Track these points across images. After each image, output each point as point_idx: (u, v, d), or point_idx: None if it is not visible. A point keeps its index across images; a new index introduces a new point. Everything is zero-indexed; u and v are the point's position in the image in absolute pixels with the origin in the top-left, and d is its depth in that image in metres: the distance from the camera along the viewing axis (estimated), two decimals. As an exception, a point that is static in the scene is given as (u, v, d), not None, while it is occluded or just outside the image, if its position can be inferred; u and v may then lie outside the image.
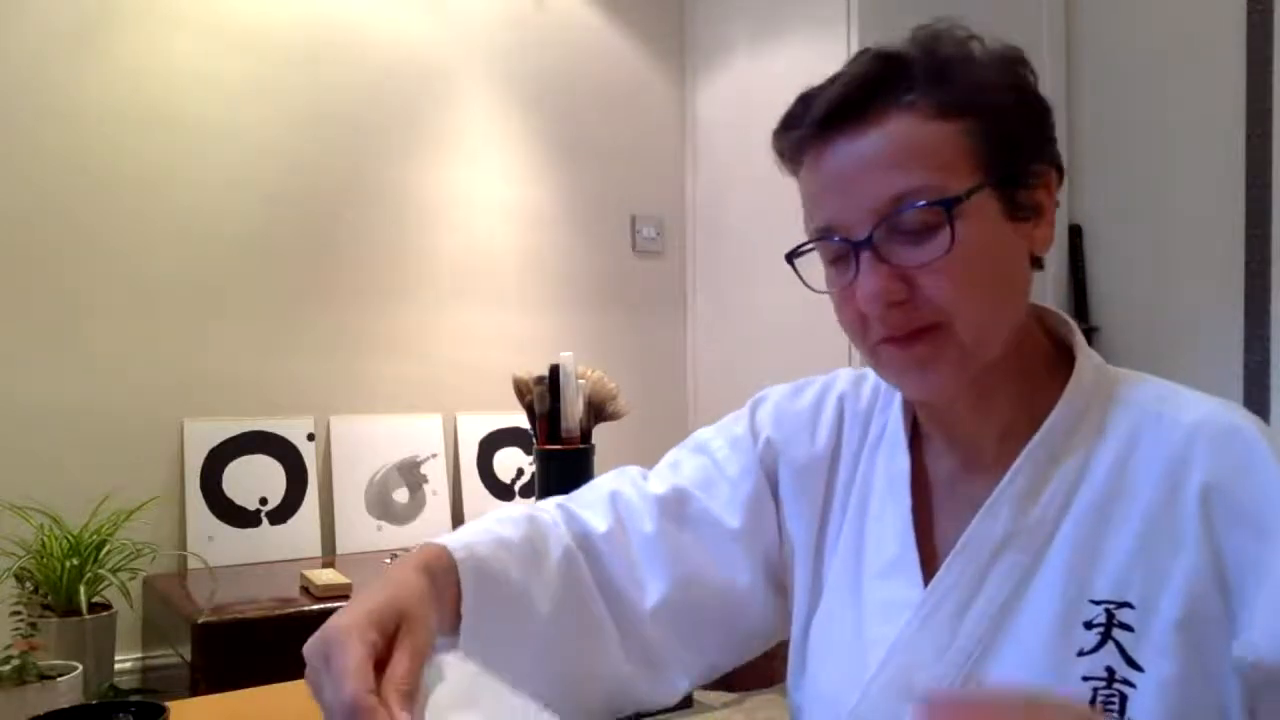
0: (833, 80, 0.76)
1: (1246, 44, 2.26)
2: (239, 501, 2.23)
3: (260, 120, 2.31)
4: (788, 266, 0.80)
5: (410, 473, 2.43)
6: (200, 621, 1.75)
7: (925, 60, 0.74)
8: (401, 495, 2.42)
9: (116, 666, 1.88)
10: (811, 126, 0.75)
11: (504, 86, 2.61)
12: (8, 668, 1.20)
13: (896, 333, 0.74)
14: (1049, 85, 2.59)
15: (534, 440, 1.96)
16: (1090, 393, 0.77)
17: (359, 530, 2.35)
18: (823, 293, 0.79)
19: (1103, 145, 2.55)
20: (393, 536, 2.36)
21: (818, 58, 2.41)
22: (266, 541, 2.24)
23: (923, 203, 0.71)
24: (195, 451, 2.20)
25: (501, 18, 2.61)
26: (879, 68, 0.74)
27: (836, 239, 0.75)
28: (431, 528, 2.41)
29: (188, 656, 1.79)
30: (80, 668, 1.28)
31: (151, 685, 2.07)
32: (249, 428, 2.27)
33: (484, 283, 2.58)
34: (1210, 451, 0.70)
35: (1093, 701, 0.69)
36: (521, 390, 1.96)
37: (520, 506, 0.85)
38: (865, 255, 0.73)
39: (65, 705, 1.06)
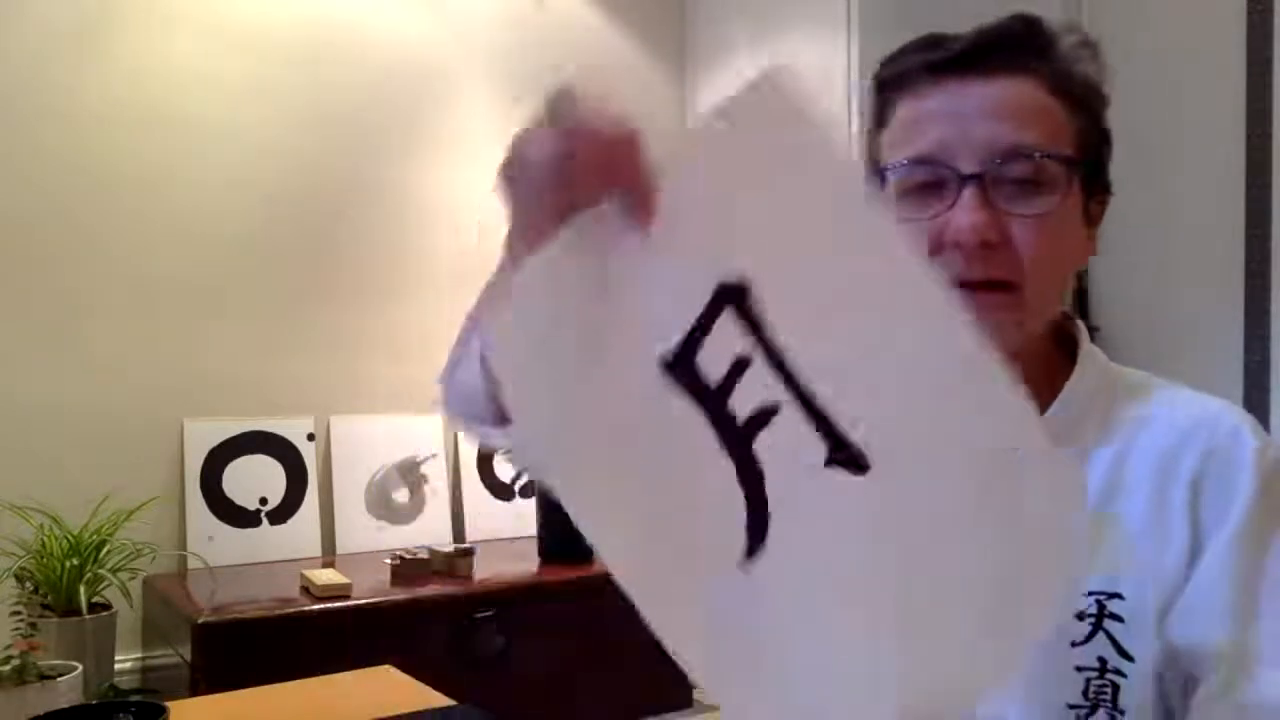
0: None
1: (1246, 44, 2.26)
2: (239, 501, 2.23)
3: (260, 120, 2.31)
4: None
5: (410, 473, 2.43)
6: (200, 621, 1.75)
7: (1059, 41, 0.77)
8: (401, 495, 2.41)
9: (116, 666, 1.88)
10: (942, 57, 0.76)
11: (504, 86, 2.61)
12: (8, 668, 1.20)
13: (972, 276, 0.72)
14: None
15: (534, 440, 1.95)
16: (1093, 390, 0.78)
17: (359, 530, 2.35)
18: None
19: (1103, 145, 2.54)
20: (393, 536, 2.36)
21: (818, 58, 2.41)
22: (266, 541, 2.24)
23: (1043, 154, 0.73)
24: (195, 451, 2.20)
25: (501, 18, 2.61)
26: (1023, 28, 0.76)
27: (939, 166, 0.74)
28: (431, 528, 2.41)
29: (188, 656, 1.79)
30: (80, 668, 1.28)
31: (151, 685, 2.07)
32: (249, 428, 2.27)
33: (484, 282, 2.57)
34: (1204, 445, 0.72)
35: (1086, 692, 0.70)
36: (521, 390, 1.96)
37: None
38: (971, 189, 0.72)
39: (65, 705, 1.06)
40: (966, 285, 0.73)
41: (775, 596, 0.53)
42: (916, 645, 0.52)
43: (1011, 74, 0.74)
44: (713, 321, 0.53)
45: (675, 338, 0.53)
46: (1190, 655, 0.68)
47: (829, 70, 2.37)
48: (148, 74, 2.19)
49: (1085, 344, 0.80)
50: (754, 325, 0.53)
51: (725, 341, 0.53)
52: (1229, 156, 2.29)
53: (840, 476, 0.53)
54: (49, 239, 2.10)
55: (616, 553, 0.52)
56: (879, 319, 0.53)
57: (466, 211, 2.55)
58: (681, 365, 0.53)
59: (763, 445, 0.53)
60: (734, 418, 0.53)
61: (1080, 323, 0.83)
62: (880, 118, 0.79)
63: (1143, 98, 2.48)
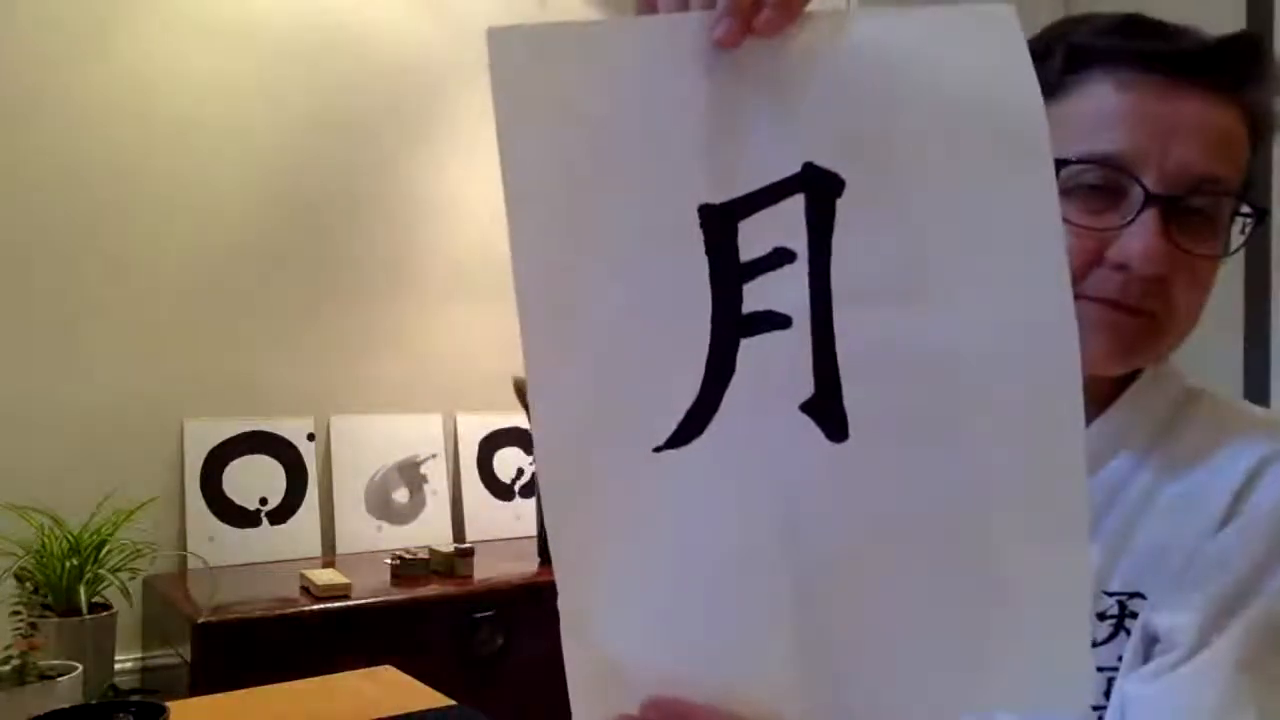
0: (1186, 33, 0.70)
1: (1246, 44, 2.26)
2: (239, 501, 2.23)
3: (260, 120, 2.30)
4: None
5: (410, 473, 2.43)
6: (200, 621, 1.75)
7: (1269, 71, 0.71)
8: (401, 495, 2.42)
9: (116, 666, 1.88)
10: (1165, 51, 0.68)
11: (504, 86, 2.60)
12: (8, 668, 1.20)
13: (1126, 300, 0.68)
14: (1049, 85, 2.58)
15: (534, 440, 1.95)
16: (1148, 404, 0.76)
17: (359, 530, 2.35)
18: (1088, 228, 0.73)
19: (1103, 145, 2.54)
20: (393, 536, 2.36)
21: (818, 58, 2.41)
22: (266, 541, 2.23)
23: (1230, 193, 0.68)
24: (195, 451, 2.20)
25: (503, 17, 2.59)
26: (1251, 50, 0.70)
27: (1121, 174, 0.67)
28: (431, 528, 2.41)
29: (188, 656, 1.79)
30: (80, 668, 1.27)
31: (151, 685, 2.07)
32: (249, 428, 2.26)
33: (484, 282, 2.58)
34: (1258, 461, 0.69)
35: (1108, 692, 0.69)
36: (521, 390, 1.96)
37: None
38: (1154, 213, 0.66)
39: (65, 705, 1.06)
40: (1116, 305, 0.69)
41: (670, 502, 0.49)
42: (822, 629, 0.49)
43: (1228, 96, 0.68)
44: (782, 198, 0.48)
45: (729, 193, 0.48)
46: (1166, 633, 0.66)
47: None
48: (148, 74, 2.19)
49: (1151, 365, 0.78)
50: (820, 225, 0.48)
51: (779, 225, 0.48)
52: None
53: (805, 422, 0.49)
54: (48, 239, 2.09)
55: (549, 381, 0.48)
56: (970, 294, 0.48)
57: (466, 211, 2.55)
58: (723, 221, 0.48)
59: (749, 349, 0.48)
60: (740, 304, 0.48)
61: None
62: (1058, 84, 0.70)
63: (1143, 98, 2.48)
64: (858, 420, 0.48)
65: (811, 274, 0.48)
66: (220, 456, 2.22)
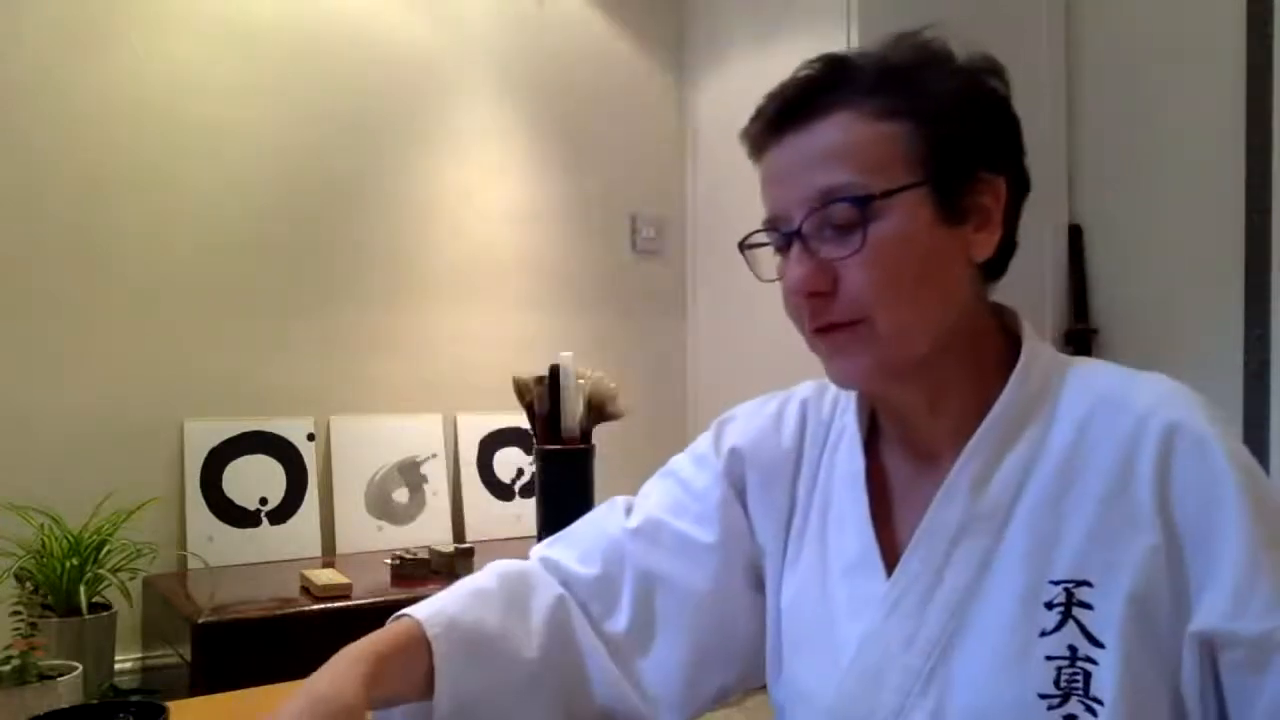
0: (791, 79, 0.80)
1: (1246, 44, 2.26)
2: (239, 501, 2.23)
3: (260, 120, 2.31)
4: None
5: (410, 473, 2.43)
6: (200, 621, 1.75)
7: (874, 64, 0.78)
8: (401, 495, 2.42)
9: (116, 666, 1.88)
10: (764, 121, 0.80)
11: (504, 85, 2.61)
12: (8, 668, 1.20)
13: (820, 323, 0.78)
14: (1049, 85, 2.59)
15: (534, 440, 1.96)
16: (1039, 382, 0.78)
17: (359, 530, 2.35)
18: (771, 281, 0.84)
19: (1102, 145, 2.54)
20: (393, 536, 2.36)
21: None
22: (266, 541, 2.24)
23: (843, 199, 0.75)
24: (195, 451, 2.20)
25: (501, 17, 2.61)
26: (826, 70, 0.79)
27: (777, 230, 0.79)
28: (431, 528, 2.42)
29: (188, 656, 1.79)
30: (80, 668, 1.27)
31: (151, 685, 2.07)
32: (249, 428, 2.27)
33: (484, 282, 2.58)
34: (1161, 438, 0.71)
35: (1057, 681, 0.70)
36: (521, 390, 1.96)
37: (500, 563, 0.90)
38: (795, 245, 0.77)
39: (65, 705, 1.06)
40: (821, 329, 0.78)
41: None
42: None
43: (830, 114, 0.76)
44: None
45: None
46: (1225, 633, 0.67)
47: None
48: (148, 74, 2.19)
49: (1028, 337, 0.81)
50: None
51: None
52: (1229, 157, 2.29)
53: None
54: (49, 239, 2.10)
55: None
56: None
57: (466, 211, 2.55)
58: None
59: None
60: None
61: (1022, 319, 0.83)
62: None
63: (1143, 98, 2.48)
64: None
65: None
66: (220, 456, 2.23)
